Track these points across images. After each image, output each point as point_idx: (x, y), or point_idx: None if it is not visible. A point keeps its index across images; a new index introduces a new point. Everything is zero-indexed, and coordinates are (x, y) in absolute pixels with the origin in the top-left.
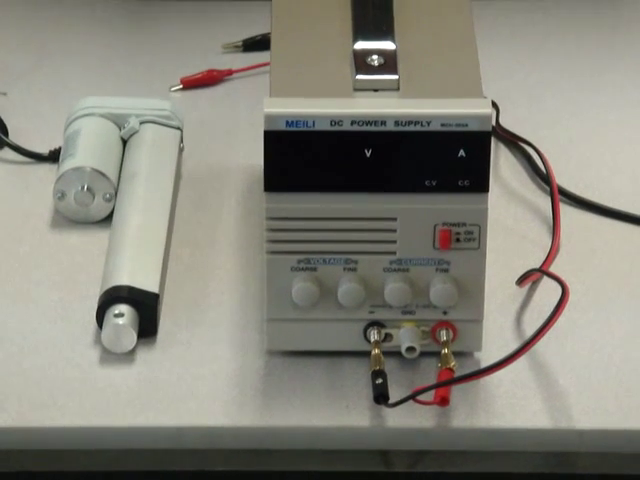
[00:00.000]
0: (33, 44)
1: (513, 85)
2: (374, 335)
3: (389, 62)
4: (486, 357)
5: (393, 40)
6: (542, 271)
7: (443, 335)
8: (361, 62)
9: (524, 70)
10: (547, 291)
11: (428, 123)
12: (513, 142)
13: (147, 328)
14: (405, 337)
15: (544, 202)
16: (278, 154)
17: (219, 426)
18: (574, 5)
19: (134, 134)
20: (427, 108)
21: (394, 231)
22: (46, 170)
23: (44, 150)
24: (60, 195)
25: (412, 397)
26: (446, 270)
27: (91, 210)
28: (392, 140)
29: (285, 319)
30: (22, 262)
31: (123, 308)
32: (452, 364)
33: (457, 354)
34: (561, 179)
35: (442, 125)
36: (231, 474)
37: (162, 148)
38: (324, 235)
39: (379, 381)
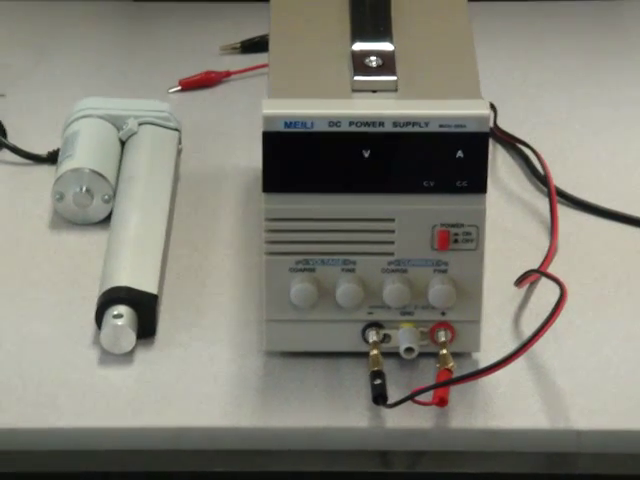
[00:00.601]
0: (32, 46)
1: (511, 86)
2: (373, 336)
3: (387, 63)
4: (484, 358)
5: (391, 41)
6: (540, 272)
7: (441, 336)
8: (359, 63)
9: (522, 71)
10: (545, 292)
11: (426, 124)
12: (511, 143)
13: (146, 329)
14: (404, 338)
15: (542, 203)
16: (276, 155)
17: (218, 427)
18: (572, 6)
19: (132, 135)
20: (425, 109)
21: (392, 232)
22: (45, 171)
23: (43, 151)
24: (59, 196)
25: (411, 398)
26: (444, 271)
27: (90, 211)
28: (390, 141)
29: (284, 320)
30: (21, 263)
31: (122, 309)
32: (450, 365)
33: (455, 355)
34: (559, 180)
35: (440, 126)
36: (230, 475)
37: (160, 149)
38: (322, 236)
39: (378, 382)
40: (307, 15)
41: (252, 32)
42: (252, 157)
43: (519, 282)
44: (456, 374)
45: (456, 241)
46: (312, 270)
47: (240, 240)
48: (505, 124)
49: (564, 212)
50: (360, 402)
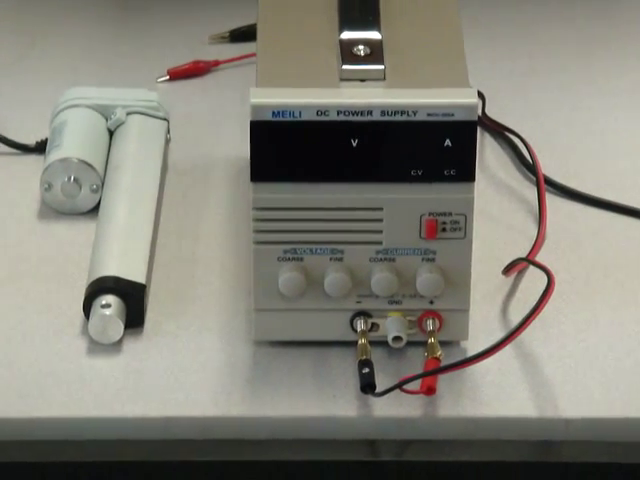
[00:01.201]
0: (19, 35)
1: (499, 75)
2: (361, 325)
3: (375, 52)
4: (472, 346)
5: (379, 30)
6: (528, 260)
7: (429, 324)
8: (347, 52)
9: (510, 60)
10: (533, 280)
11: (414, 113)
12: (499, 132)
13: (134, 319)
14: (391, 327)
15: (530, 192)
16: (264, 144)
17: (207, 416)
18: None
19: (121, 125)
20: (413, 98)
21: (380, 221)
22: (32, 161)
23: (30, 141)
24: (47, 186)
25: (399, 386)
26: (432, 260)
27: (78, 201)
28: (378, 130)
29: (272, 309)
30: (9, 253)
31: (110, 299)
32: (438, 353)
33: (443, 343)
34: (547, 169)
35: (428, 115)
36: (219, 464)
37: (149, 139)
38: (310, 225)
39: (366, 371)
40: (295, 4)
41: (241, 21)
42: (241, 146)
43: (507, 270)
44: (444, 363)
45: (444, 230)
46: (300, 259)
47: (228, 229)
48: (493, 113)
49: (552, 201)
50: (348, 391)
